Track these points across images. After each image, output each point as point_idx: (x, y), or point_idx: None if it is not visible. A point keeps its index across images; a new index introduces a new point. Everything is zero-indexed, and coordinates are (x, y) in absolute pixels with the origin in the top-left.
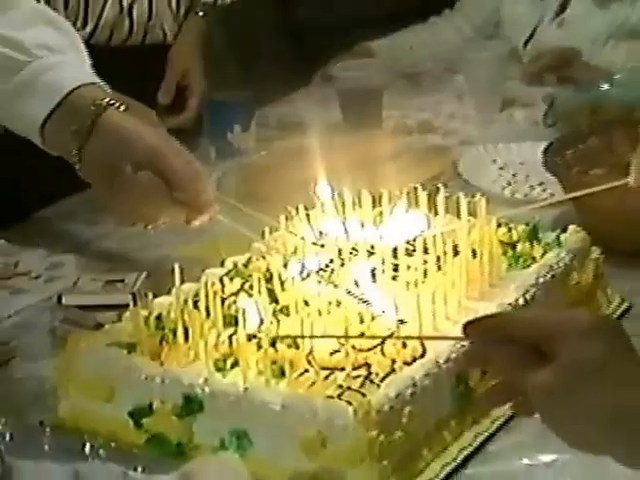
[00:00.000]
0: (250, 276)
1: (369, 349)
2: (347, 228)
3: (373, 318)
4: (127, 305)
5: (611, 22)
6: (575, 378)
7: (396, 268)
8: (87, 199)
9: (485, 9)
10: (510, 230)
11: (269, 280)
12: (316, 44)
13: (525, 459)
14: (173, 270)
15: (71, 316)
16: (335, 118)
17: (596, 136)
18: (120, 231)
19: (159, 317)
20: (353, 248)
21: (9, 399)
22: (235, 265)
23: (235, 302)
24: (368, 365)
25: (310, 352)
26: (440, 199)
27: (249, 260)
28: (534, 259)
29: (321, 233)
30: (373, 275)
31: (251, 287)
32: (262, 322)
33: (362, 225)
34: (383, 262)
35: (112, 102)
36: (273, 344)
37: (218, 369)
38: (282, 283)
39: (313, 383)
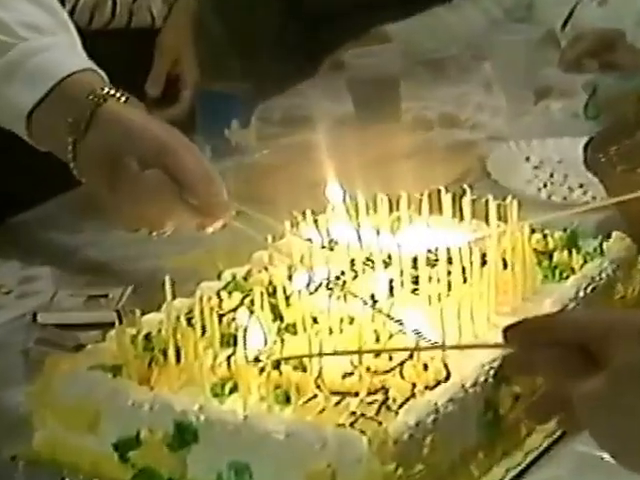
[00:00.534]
0: (251, 290)
1: (386, 371)
2: (361, 235)
3: (391, 336)
4: (112, 323)
5: None
6: (630, 385)
7: (416, 280)
8: (69, 203)
9: None
10: (545, 237)
11: (272, 294)
12: (325, 28)
13: None
14: (164, 283)
15: (48, 336)
16: (346, 111)
17: None
18: (103, 240)
19: (148, 336)
20: (367, 258)
21: None
22: (234, 277)
23: (234, 319)
24: (385, 389)
25: (319, 375)
26: (466, 202)
27: (249, 272)
28: (573, 270)
29: (331, 241)
30: (391, 288)
31: (252, 302)
32: (265, 342)
33: (377, 232)
34: (402, 274)
35: (113, 92)
36: (277, 366)
37: (215, 394)
38: (287, 298)
39: (322, 410)
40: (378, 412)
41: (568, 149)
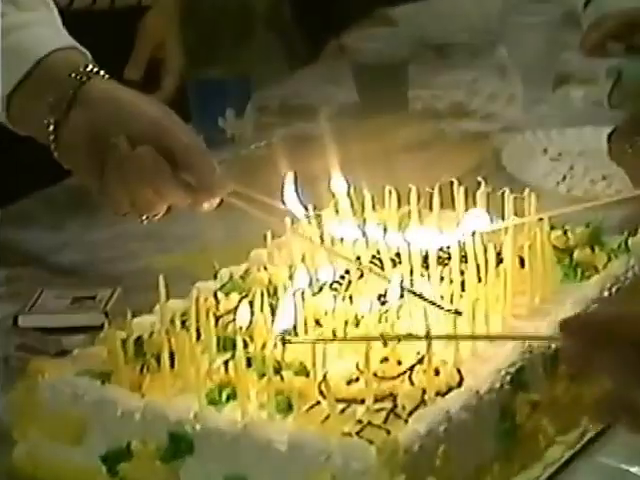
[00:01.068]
0: (250, 290)
1: (394, 377)
2: (367, 232)
3: (399, 340)
4: (100, 326)
5: None
6: None
7: (427, 280)
8: (49, 199)
9: None
10: (566, 233)
11: (273, 295)
12: (326, 10)
13: None
14: (156, 284)
15: (30, 341)
16: (350, 100)
17: None
18: (88, 238)
19: (139, 340)
20: (374, 256)
21: None
22: (231, 277)
23: (234, 320)
24: (393, 396)
25: (323, 380)
26: (480, 196)
27: (248, 271)
28: (596, 269)
29: (334, 238)
30: (400, 288)
31: (251, 303)
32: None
33: (385, 229)
34: (411, 273)
35: (97, 70)
36: (278, 371)
37: (211, 402)
38: None
39: (327, 418)
40: (386, 420)
41: (590, 139)
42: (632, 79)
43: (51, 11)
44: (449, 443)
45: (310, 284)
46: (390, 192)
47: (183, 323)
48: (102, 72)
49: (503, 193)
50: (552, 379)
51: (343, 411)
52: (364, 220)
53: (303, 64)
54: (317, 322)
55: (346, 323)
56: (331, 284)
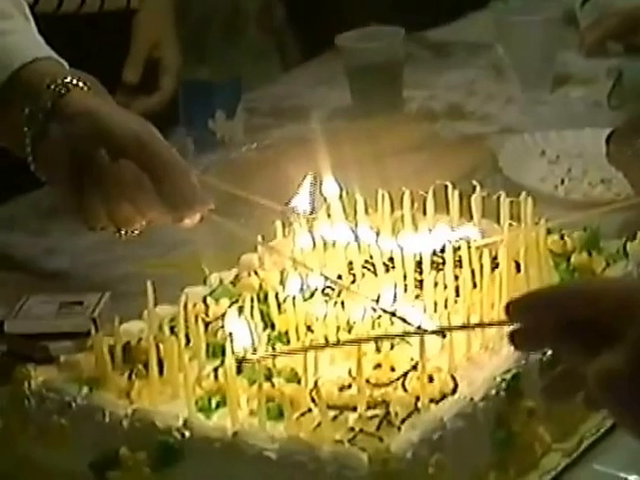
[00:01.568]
0: (240, 295)
1: (387, 383)
2: (359, 236)
3: (392, 347)
4: (87, 332)
5: None
6: None
7: (421, 285)
8: (33, 204)
9: None
10: (563, 238)
11: (263, 300)
12: (320, 9)
13: None
14: (145, 289)
15: (15, 347)
16: (343, 101)
17: None
18: (74, 243)
19: (127, 346)
20: (367, 261)
21: None
22: (221, 282)
23: (222, 327)
24: (386, 403)
25: (314, 387)
26: (475, 200)
27: (238, 276)
28: (593, 274)
29: (326, 243)
30: (393, 294)
31: (241, 309)
32: (255, 350)
33: (378, 233)
34: (405, 278)
35: (76, 81)
36: (268, 378)
37: (201, 409)
38: (279, 304)
39: (318, 425)
40: (379, 428)
41: (589, 142)
42: (632, 79)
43: (29, 21)
44: (443, 451)
45: (301, 289)
46: (383, 196)
47: (172, 329)
48: (80, 82)
49: (499, 197)
50: None
51: (335, 418)
52: (357, 224)
53: (296, 64)
54: (309, 328)
55: (338, 329)
56: (323, 289)
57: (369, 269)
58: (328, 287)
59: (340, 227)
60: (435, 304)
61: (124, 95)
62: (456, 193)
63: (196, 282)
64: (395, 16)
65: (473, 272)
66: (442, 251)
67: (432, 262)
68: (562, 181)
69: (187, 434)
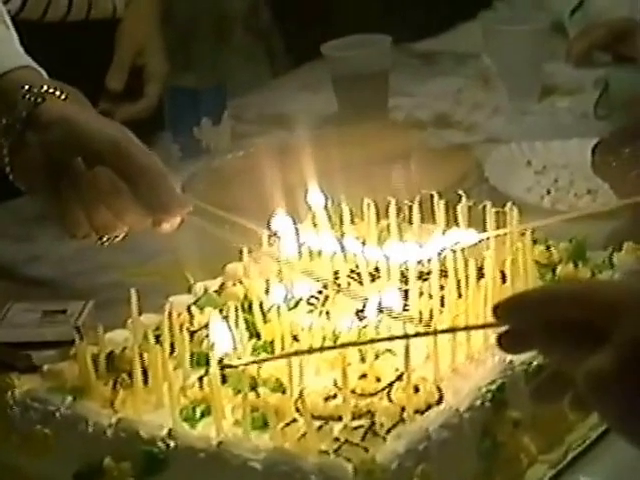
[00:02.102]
0: (225, 305)
1: (373, 394)
2: (344, 246)
3: (377, 356)
4: (71, 341)
5: None
6: (638, 361)
7: (406, 295)
8: (15, 210)
9: None
10: (549, 248)
11: (248, 310)
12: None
13: None
14: (129, 297)
15: None
16: (329, 109)
17: None
18: (58, 250)
19: (111, 355)
20: (352, 270)
21: None
22: (206, 291)
23: (207, 336)
24: (371, 413)
25: (300, 397)
26: (461, 209)
27: (223, 285)
28: None
29: (312, 252)
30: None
31: (226, 318)
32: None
33: (363, 242)
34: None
35: (52, 90)
36: (253, 387)
37: (185, 419)
38: (264, 313)
39: (303, 435)
40: (364, 438)
41: (575, 152)
42: (619, 90)
43: (9, 29)
44: (428, 462)
45: (287, 299)
46: (369, 205)
47: (157, 338)
48: (57, 91)
49: (484, 207)
50: None
51: (320, 429)
52: (342, 233)
53: (283, 70)
54: (294, 338)
55: (324, 339)
56: (308, 299)
57: (355, 278)
58: (312, 297)
59: (326, 236)
60: (420, 314)
61: (109, 102)
62: (442, 203)
63: (180, 291)
64: (384, 27)
65: (459, 282)
66: (428, 261)
67: (418, 272)
68: (548, 191)
69: (171, 444)
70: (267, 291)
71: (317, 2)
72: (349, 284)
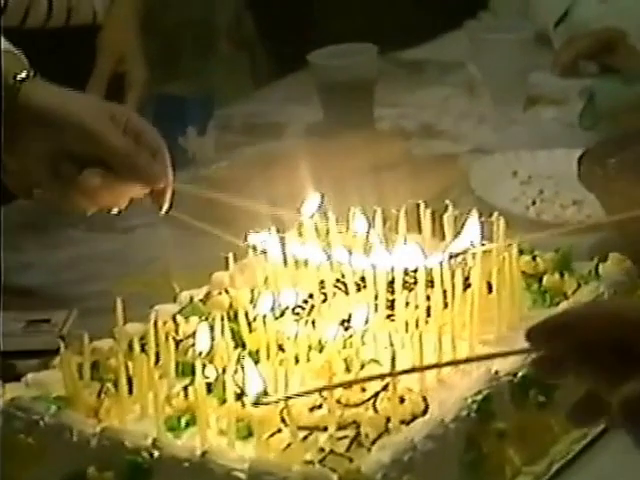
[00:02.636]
0: (210, 314)
1: (358, 404)
2: (331, 255)
3: (363, 366)
4: (56, 350)
5: None
6: None
7: (392, 305)
8: (5, 218)
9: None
10: (535, 259)
11: (234, 319)
12: (292, 25)
13: None
14: (114, 306)
15: None
16: (315, 118)
17: None
18: (45, 260)
19: (96, 364)
20: (338, 280)
21: None
22: (191, 300)
23: (193, 345)
24: (356, 424)
25: (285, 407)
26: (447, 220)
27: (208, 294)
28: (565, 295)
29: (298, 261)
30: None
31: (212, 328)
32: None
33: (350, 251)
34: (376, 297)
35: (24, 75)
36: (239, 397)
37: (170, 428)
38: (250, 323)
39: (288, 445)
40: (349, 448)
41: (561, 162)
42: (604, 100)
43: None
44: (413, 473)
45: (272, 308)
46: (354, 215)
47: (142, 347)
48: (31, 74)
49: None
50: (519, 408)
51: (305, 439)
52: (329, 242)
53: (269, 80)
54: (280, 347)
55: (309, 348)
56: (293, 308)
57: (340, 288)
58: (299, 306)
59: (312, 245)
60: (406, 324)
61: None
62: (428, 212)
63: (166, 300)
64: (370, 37)
65: (445, 292)
66: (414, 271)
67: (404, 281)
68: (534, 202)
69: (156, 454)
70: (253, 300)
71: (302, 12)
72: (335, 294)
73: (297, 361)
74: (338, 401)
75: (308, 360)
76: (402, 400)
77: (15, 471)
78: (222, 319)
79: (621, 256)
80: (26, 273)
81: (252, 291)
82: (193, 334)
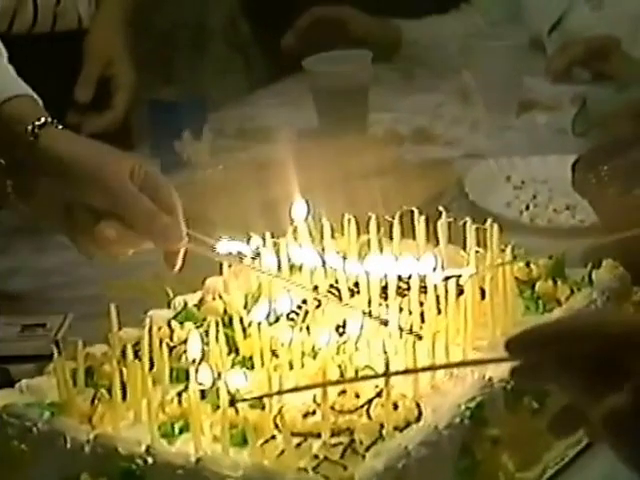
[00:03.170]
0: (204, 319)
1: (352, 411)
2: (325, 260)
3: (357, 372)
4: (50, 355)
5: None
6: None
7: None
8: None
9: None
10: (528, 265)
11: (228, 324)
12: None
13: None
14: (108, 312)
15: None
16: (309, 123)
17: None
18: (39, 263)
19: (90, 370)
20: (332, 285)
21: None
22: (185, 305)
23: (185, 352)
24: (350, 430)
25: (279, 413)
26: (441, 225)
27: (203, 299)
28: (558, 301)
29: (292, 267)
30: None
31: (206, 334)
32: (219, 375)
33: (344, 257)
34: (370, 303)
35: (44, 121)
36: (232, 403)
37: (164, 435)
38: (244, 329)
39: (282, 452)
40: (343, 455)
41: (554, 168)
42: (597, 106)
43: (2, 58)
44: None
45: (267, 314)
46: (349, 220)
47: (136, 353)
48: (49, 120)
49: (465, 223)
50: (512, 414)
51: (299, 445)
52: (323, 248)
53: (262, 85)
54: (274, 353)
55: (303, 354)
56: (288, 314)
57: (334, 294)
58: (293, 312)
59: (306, 251)
60: (400, 330)
61: (77, 114)
62: (422, 218)
63: (160, 305)
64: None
65: (438, 298)
66: (408, 277)
67: (397, 287)
68: (527, 207)
69: (150, 460)
70: (247, 306)
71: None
72: (329, 299)
73: (291, 367)
74: (332, 407)
75: (302, 366)
76: (396, 406)
77: (8, 477)
78: (217, 325)
79: (614, 263)
80: (19, 277)
81: (246, 296)
82: (187, 340)
